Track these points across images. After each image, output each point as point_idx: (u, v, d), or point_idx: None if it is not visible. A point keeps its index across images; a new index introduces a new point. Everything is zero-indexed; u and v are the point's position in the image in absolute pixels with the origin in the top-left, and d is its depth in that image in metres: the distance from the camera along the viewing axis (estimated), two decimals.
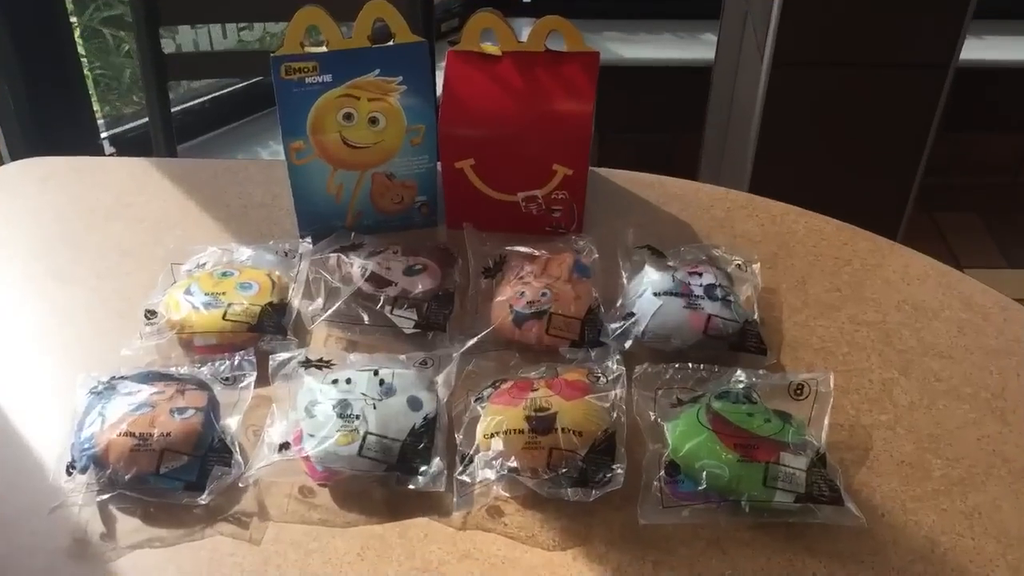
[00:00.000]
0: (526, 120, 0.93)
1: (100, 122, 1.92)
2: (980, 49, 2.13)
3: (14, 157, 1.69)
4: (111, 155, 1.91)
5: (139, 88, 1.82)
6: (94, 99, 1.90)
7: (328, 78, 0.90)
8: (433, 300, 0.85)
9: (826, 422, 0.73)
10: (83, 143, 1.80)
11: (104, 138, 1.91)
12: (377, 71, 0.91)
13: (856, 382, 0.81)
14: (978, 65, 2.09)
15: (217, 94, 2.09)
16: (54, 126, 1.74)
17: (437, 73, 0.97)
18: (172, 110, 1.55)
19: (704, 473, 0.68)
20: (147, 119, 1.54)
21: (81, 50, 1.87)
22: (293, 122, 0.91)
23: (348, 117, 0.92)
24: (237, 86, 2.11)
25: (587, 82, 0.92)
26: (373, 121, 0.92)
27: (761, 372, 0.77)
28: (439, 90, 0.95)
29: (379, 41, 0.91)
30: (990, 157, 2.62)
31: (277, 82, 0.90)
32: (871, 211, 1.87)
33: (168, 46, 1.95)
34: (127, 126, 1.99)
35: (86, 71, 1.88)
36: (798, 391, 0.75)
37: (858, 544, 0.67)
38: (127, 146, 1.94)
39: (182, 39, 2.06)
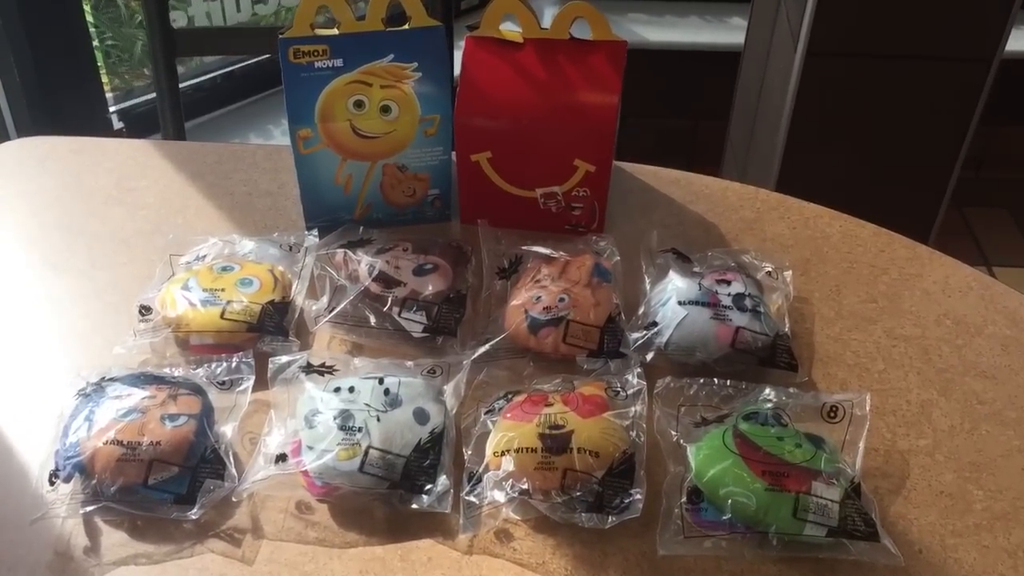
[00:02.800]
0: (547, 111, 0.87)
1: (109, 96, 1.88)
2: (1020, 40, 2.06)
3: (20, 131, 1.66)
4: (119, 130, 1.87)
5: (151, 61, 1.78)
6: (103, 72, 1.85)
7: (339, 63, 0.86)
8: (444, 302, 0.80)
9: (861, 447, 0.69)
10: (90, 118, 1.77)
11: (112, 112, 1.87)
12: (391, 56, 0.86)
13: (893, 403, 0.76)
14: (1018, 56, 2.01)
15: (229, 69, 2.04)
16: (61, 99, 1.70)
17: (454, 59, 0.92)
18: (182, 85, 1.50)
19: (729, 502, 0.64)
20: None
21: (91, 20, 1.82)
22: (301, 109, 0.86)
23: (359, 105, 0.87)
24: (250, 61, 2.06)
25: (613, 73, 0.87)
26: (385, 109, 0.87)
27: (792, 390, 0.72)
28: (456, 78, 0.90)
29: (394, 24, 0.86)
30: (1022, 151, 2.55)
31: (285, 66, 0.86)
32: (903, 209, 1.82)
33: (180, 19, 1.91)
34: (137, 100, 1.95)
35: (95, 42, 1.84)
36: (832, 413, 0.70)
37: None
38: (136, 121, 1.90)
39: (195, 11, 2.01)
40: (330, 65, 0.85)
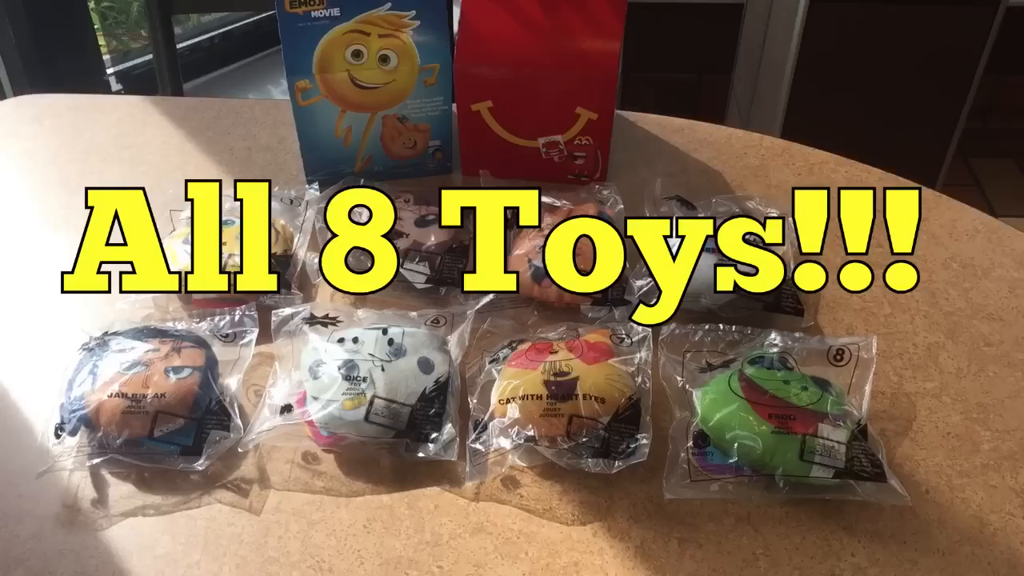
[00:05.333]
0: (548, 59, 0.86)
1: (106, 58, 1.86)
2: None
3: (16, 94, 1.64)
4: (117, 92, 1.86)
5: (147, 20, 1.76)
6: (100, 34, 1.84)
7: (336, 12, 0.84)
8: (447, 253, 0.80)
9: (867, 390, 0.68)
10: (88, 79, 1.75)
11: (110, 74, 1.85)
12: (389, 5, 0.85)
13: (899, 346, 0.76)
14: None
15: (227, 29, 2.02)
16: (58, 62, 1.68)
17: (454, 7, 0.91)
18: (179, 46, 1.48)
19: (735, 445, 0.63)
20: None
21: None
22: (298, 60, 0.85)
23: (357, 55, 0.86)
24: (248, 20, 2.04)
25: (614, 18, 0.86)
26: (384, 59, 0.86)
27: (797, 335, 0.72)
28: (455, 26, 0.89)
29: None
30: None
31: (281, 16, 0.84)
32: (909, 157, 1.80)
33: None
34: (134, 61, 1.93)
35: (91, 3, 1.82)
36: (838, 356, 0.70)
37: (900, 523, 0.63)
38: (134, 83, 1.89)
39: None
40: (327, 14, 0.84)
